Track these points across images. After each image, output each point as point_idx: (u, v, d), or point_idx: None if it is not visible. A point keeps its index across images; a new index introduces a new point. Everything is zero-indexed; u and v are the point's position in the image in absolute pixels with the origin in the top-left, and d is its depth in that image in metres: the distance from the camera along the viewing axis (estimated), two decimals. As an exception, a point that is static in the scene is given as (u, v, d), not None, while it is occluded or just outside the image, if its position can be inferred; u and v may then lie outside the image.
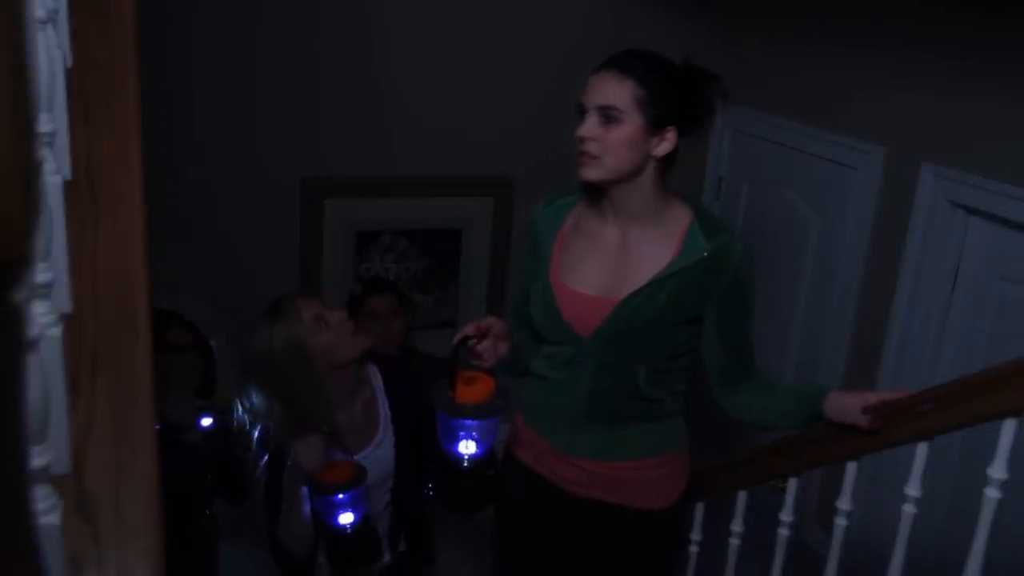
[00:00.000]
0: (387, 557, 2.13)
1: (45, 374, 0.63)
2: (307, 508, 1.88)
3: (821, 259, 3.36)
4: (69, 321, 0.84)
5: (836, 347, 3.28)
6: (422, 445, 2.03)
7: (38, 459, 0.61)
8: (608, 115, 1.70)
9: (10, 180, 0.34)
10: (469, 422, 1.63)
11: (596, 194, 1.84)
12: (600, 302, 1.81)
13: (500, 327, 1.80)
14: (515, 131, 3.59)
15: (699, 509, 2.37)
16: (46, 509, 0.63)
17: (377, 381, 2.11)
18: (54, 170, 0.83)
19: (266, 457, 1.98)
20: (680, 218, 1.80)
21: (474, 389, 1.64)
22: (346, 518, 1.81)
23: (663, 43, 1.88)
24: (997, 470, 1.57)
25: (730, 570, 2.30)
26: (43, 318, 0.70)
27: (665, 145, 1.74)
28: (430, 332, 3.51)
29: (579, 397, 1.88)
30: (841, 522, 1.93)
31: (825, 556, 1.99)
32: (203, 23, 3.15)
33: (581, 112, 1.74)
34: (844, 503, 1.91)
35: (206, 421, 2.24)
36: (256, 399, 1.93)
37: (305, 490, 1.86)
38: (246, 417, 1.97)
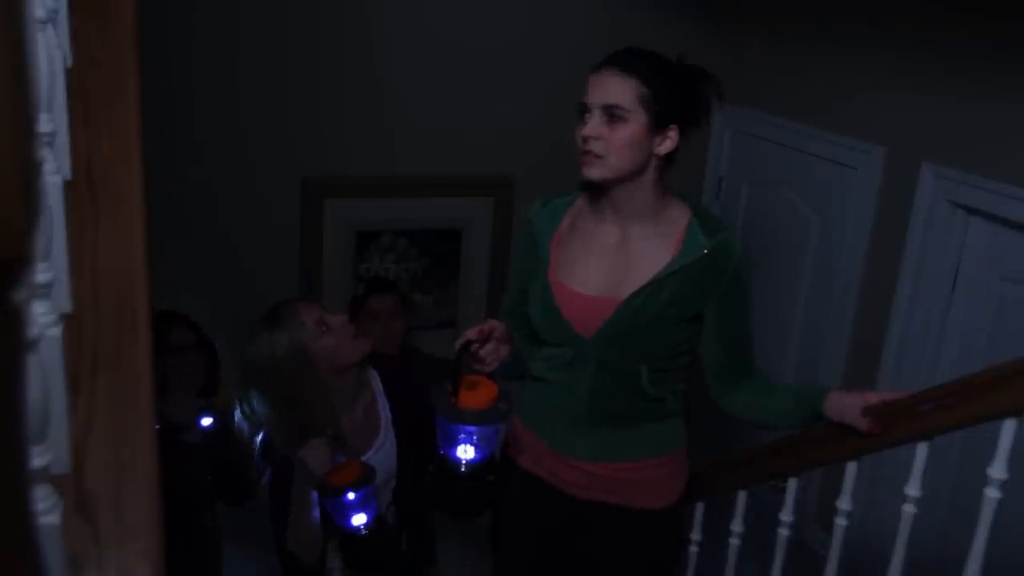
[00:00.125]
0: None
1: (45, 374, 0.63)
2: (316, 513, 1.88)
3: (821, 259, 3.36)
4: (69, 321, 0.84)
5: (836, 347, 3.28)
6: (422, 446, 2.03)
7: (38, 459, 0.61)
8: (613, 114, 1.69)
9: (10, 180, 0.34)
10: (471, 428, 1.60)
11: (595, 193, 1.83)
12: (600, 302, 1.80)
13: (502, 330, 1.77)
14: (515, 131, 3.59)
15: (699, 509, 2.37)
16: (46, 509, 0.63)
17: (377, 384, 2.11)
18: (54, 170, 0.83)
19: (269, 468, 1.97)
20: (679, 217, 1.80)
21: (477, 394, 1.61)
22: (359, 519, 1.80)
23: (663, 43, 1.88)
24: (997, 470, 1.57)
25: (730, 570, 2.30)
26: (43, 318, 0.70)
27: (667, 144, 1.74)
28: (430, 332, 3.52)
29: (579, 398, 1.87)
30: (841, 522, 1.93)
31: (825, 556, 1.99)
32: (203, 23, 3.15)
33: (582, 112, 1.73)
34: (844, 503, 1.91)
35: (206, 421, 2.24)
36: (258, 405, 1.92)
37: (315, 495, 1.85)
38: (247, 424, 1.96)
